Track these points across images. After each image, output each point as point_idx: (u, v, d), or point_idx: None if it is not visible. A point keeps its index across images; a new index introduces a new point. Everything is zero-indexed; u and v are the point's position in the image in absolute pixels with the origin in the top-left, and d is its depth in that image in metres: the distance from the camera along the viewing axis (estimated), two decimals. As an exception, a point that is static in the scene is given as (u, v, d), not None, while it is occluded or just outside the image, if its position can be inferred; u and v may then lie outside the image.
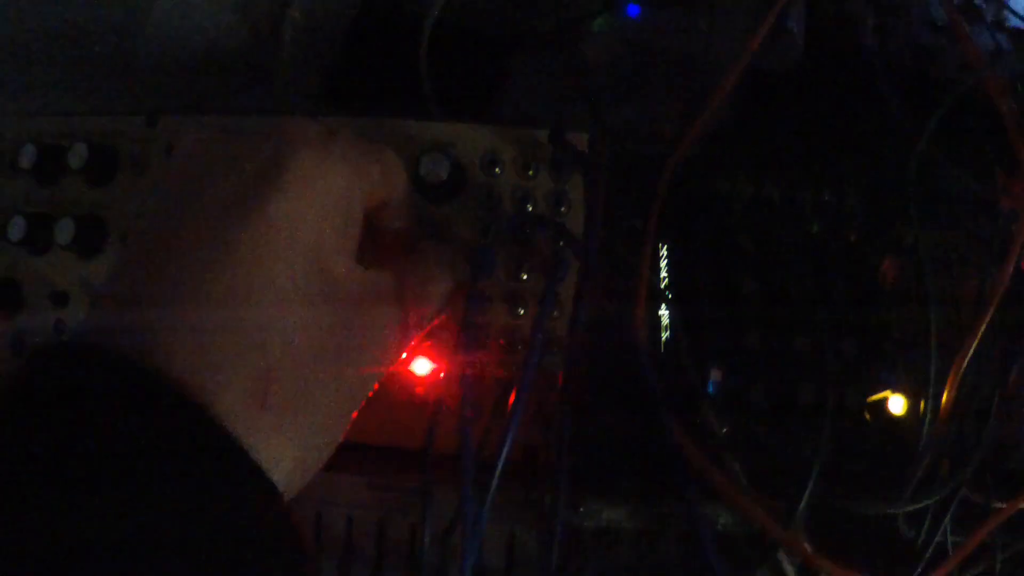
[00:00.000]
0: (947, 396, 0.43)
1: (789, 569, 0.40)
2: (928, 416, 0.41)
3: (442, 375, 0.40)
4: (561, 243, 0.41)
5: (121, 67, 0.48)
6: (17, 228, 0.44)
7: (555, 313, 0.41)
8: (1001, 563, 0.45)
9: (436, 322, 0.38)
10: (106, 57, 0.48)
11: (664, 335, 0.46)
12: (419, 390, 0.40)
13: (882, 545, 0.44)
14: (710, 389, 0.44)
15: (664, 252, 0.48)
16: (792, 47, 0.54)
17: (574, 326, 0.37)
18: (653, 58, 0.55)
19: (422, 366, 0.40)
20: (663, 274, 0.47)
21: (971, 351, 0.42)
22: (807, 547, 0.38)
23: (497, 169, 0.42)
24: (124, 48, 0.48)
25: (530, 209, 0.42)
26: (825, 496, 0.41)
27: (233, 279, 0.29)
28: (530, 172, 0.42)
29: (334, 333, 0.31)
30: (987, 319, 0.42)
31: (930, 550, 0.43)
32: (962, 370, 0.43)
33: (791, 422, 0.44)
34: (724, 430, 0.42)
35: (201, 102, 0.44)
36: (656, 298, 0.45)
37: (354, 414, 0.33)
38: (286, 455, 0.29)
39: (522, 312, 0.41)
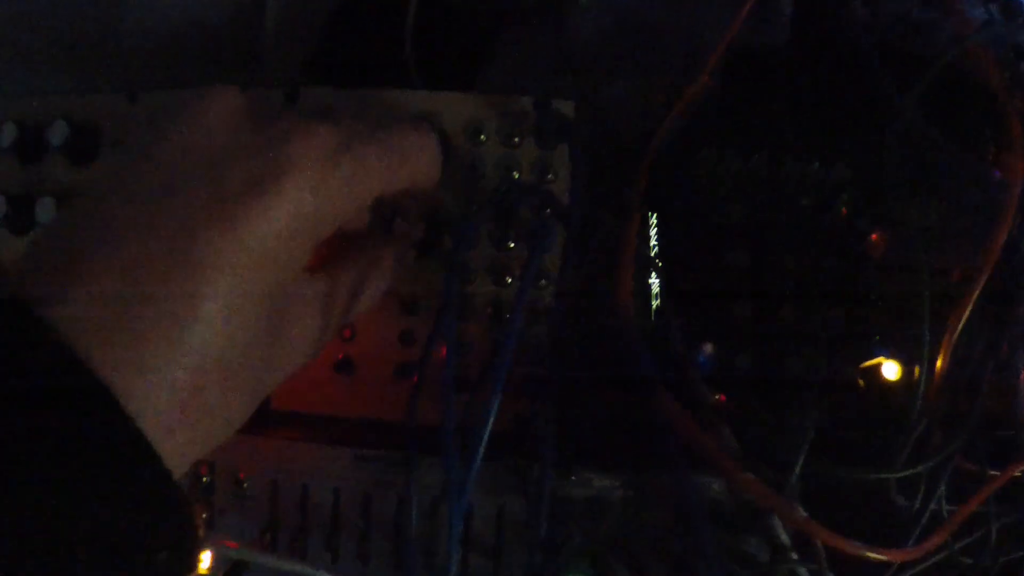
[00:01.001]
0: (940, 363, 0.42)
1: (783, 537, 0.39)
2: (922, 383, 0.41)
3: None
4: (547, 211, 0.40)
5: (103, 45, 0.48)
6: (-2, 207, 0.44)
7: (542, 282, 0.41)
8: (996, 532, 0.45)
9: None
10: (88, 35, 0.48)
11: (655, 303, 0.45)
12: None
13: (876, 513, 0.43)
14: (701, 360, 0.44)
15: (654, 221, 0.47)
16: (780, 21, 0.53)
17: (560, 294, 0.37)
18: (641, 32, 0.54)
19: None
20: (653, 243, 0.47)
21: (964, 319, 0.42)
22: (801, 513, 0.37)
23: (482, 136, 0.42)
24: (106, 26, 0.47)
25: (516, 177, 0.41)
26: (818, 463, 0.41)
27: (178, 277, 0.28)
28: (515, 140, 0.42)
29: (263, 338, 0.30)
30: (979, 288, 0.42)
31: (924, 518, 0.43)
32: (955, 337, 0.42)
33: (783, 390, 0.43)
34: (716, 396, 0.41)
35: (182, 81, 0.43)
36: (646, 267, 0.45)
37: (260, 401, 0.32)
38: (180, 442, 0.28)
39: (509, 281, 0.41)
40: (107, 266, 0.27)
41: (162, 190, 0.29)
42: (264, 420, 0.41)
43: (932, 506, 0.43)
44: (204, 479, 0.40)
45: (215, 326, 0.28)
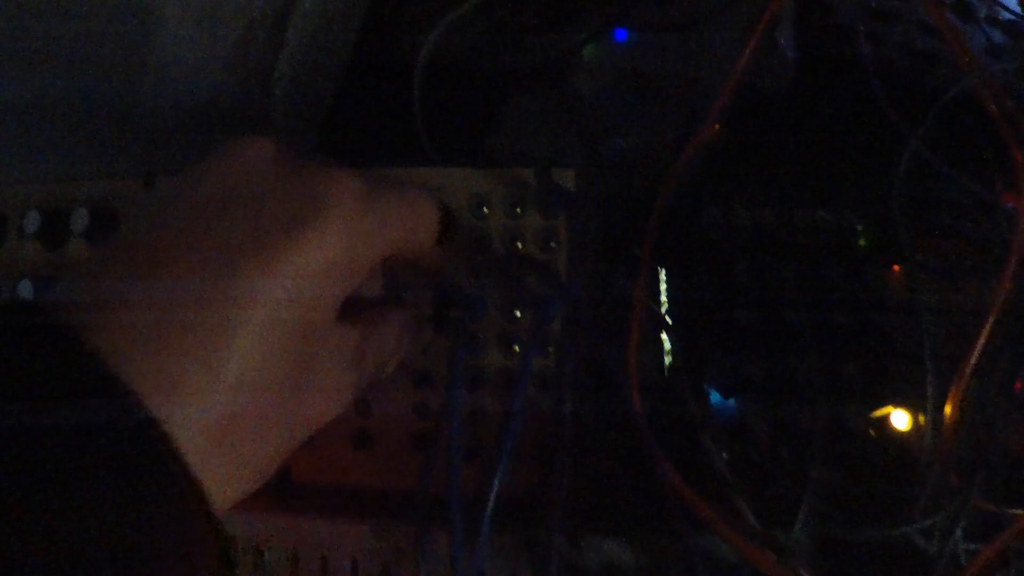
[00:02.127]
0: (950, 409, 0.42)
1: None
2: (929, 431, 0.41)
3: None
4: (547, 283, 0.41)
5: (119, 128, 0.50)
6: (25, 291, 0.45)
7: (550, 349, 0.42)
8: (1017, 572, 0.45)
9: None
10: (104, 119, 0.49)
11: (667, 360, 0.46)
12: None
13: (893, 564, 0.43)
14: (714, 399, 0.45)
15: (663, 277, 0.48)
16: (784, 63, 0.53)
17: (562, 366, 0.38)
18: (645, 83, 0.55)
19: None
20: (663, 298, 0.47)
21: (972, 361, 0.42)
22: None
23: (485, 209, 0.43)
24: (122, 110, 0.49)
25: (520, 247, 0.42)
26: (828, 521, 0.41)
27: (216, 308, 0.29)
28: (518, 211, 0.43)
29: (295, 379, 0.31)
30: (988, 329, 0.42)
31: (941, 563, 0.43)
32: (964, 381, 0.42)
33: (794, 445, 0.43)
34: (724, 455, 0.42)
35: (199, 157, 0.45)
36: (657, 325, 0.46)
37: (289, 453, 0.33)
38: (221, 479, 0.29)
39: (517, 350, 0.42)
40: (147, 296, 0.28)
41: (203, 225, 0.31)
42: (285, 493, 0.42)
43: (950, 549, 0.43)
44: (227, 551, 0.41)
45: (250, 359, 0.29)
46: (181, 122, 0.49)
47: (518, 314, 0.42)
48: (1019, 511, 0.43)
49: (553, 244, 0.42)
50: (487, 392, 0.42)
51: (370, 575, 0.40)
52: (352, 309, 0.35)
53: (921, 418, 0.42)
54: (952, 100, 0.49)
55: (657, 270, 0.47)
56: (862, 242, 0.48)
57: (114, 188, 0.46)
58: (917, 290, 0.45)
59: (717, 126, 0.49)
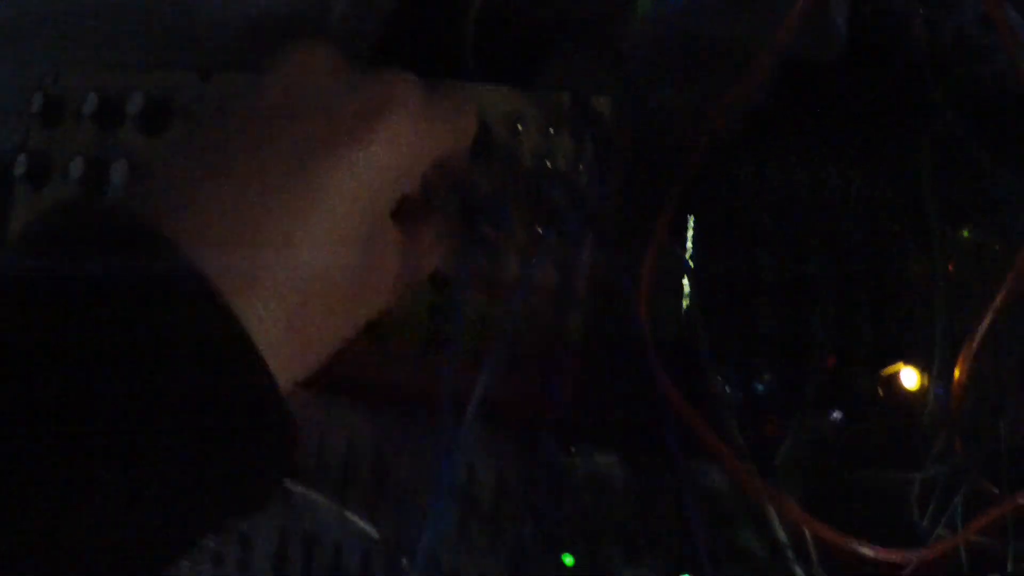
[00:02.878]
0: (959, 371, 0.42)
1: (780, 533, 0.40)
2: (931, 390, 0.41)
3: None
4: (572, 200, 0.42)
5: (178, 27, 0.52)
6: (76, 168, 0.48)
7: (569, 267, 0.43)
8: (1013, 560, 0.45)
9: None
10: (165, 18, 0.51)
11: (685, 303, 0.47)
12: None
13: (891, 523, 0.43)
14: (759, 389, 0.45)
15: (691, 224, 0.49)
16: (835, 37, 0.54)
17: (573, 280, 0.39)
18: (695, 43, 0.56)
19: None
20: (689, 244, 0.48)
21: (985, 326, 0.42)
22: (794, 505, 0.38)
23: (519, 127, 0.44)
24: (182, 10, 0.51)
25: (548, 165, 0.43)
26: (832, 464, 0.42)
27: (290, 200, 0.31)
28: (551, 131, 0.44)
29: (358, 269, 0.33)
30: (1002, 297, 0.42)
31: (938, 528, 0.43)
32: (975, 346, 0.42)
33: (799, 394, 0.44)
34: (728, 390, 0.42)
35: (252, 63, 0.46)
36: (680, 268, 0.46)
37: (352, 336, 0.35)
38: (285, 351, 0.30)
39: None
40: (224, 191, 0.30)
41: (274, 124, 0.33)
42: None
43: (946, 524, 0.43)
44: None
45: (322, 246, 0.31)
46: (239, 26, 0.51)
47: (540, 230, 0.43)
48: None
49: (582, 167, 0.43)
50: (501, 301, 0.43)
51: (362, 455, 0.41)
52: (398, 208, 0.37)
53: (926, 377, 0.42)
54: (999, 92, 0.49)
55: (687, 217, 0.48)
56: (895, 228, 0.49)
57: (170, 78, 0.48)
58: (938, 260, 0.45)
59: (750, 88, 0.49)
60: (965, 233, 0.47)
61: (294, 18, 0.51)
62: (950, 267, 0.45)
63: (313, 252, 0.31)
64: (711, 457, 0.39)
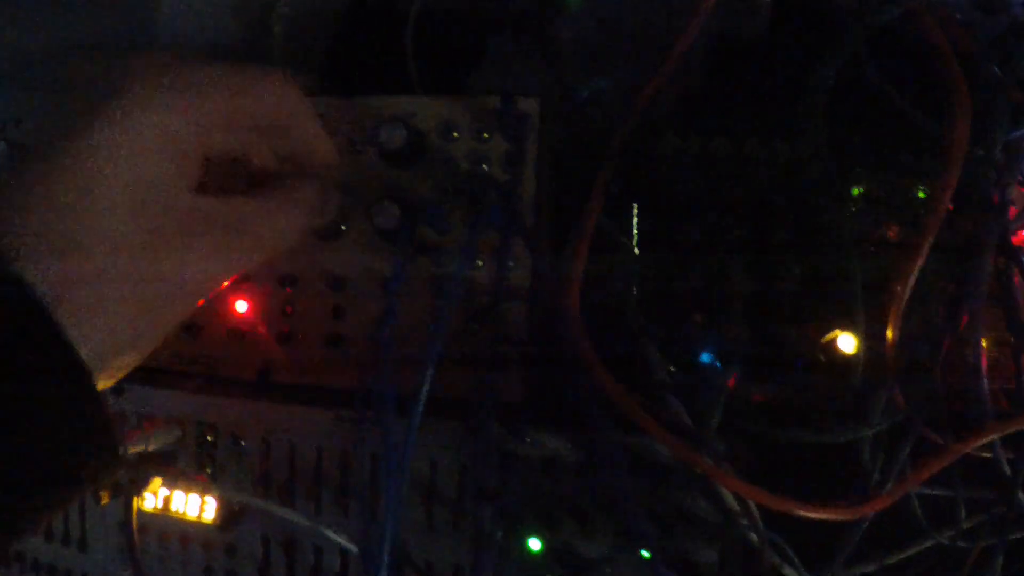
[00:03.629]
0: (891, 332, 0.44)
1: (730, 500, 0.42)
2: (863, 349, 0.43)
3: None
4: (503, 199, 0.44)
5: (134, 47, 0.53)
6: None
7: (510, 264, 0.45)
8: (967, 515, 0.46)
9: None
10: (121, 40, 0.53)
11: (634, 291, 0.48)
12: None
13: (843, 480, 0.45)
14: (705, 359, 0.47)
15: (635, 212, 0.50)
16: (758, 12, 0.56)
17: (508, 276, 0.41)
18: (622, 32, 0.57)
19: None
20: (634, 231, 0.50)
21: (908, 286, 0.43)
22: (729, 474, 0.40)
23: (455, 134, 0.46)
24: (138, 34, 0.53)
25: (484, 168, 0.45)
26: (779, 430, 0.43)
27: (59, 180, 0.32)
28: (485, 135, 0.46)
29: (149, 250, 0.34)
30: (923, 253, 0.43)
31: (889, 481, 0.45)
32: (902, 306, 0.44)
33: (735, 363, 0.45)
34: (671, 368, 0.44)
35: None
36: (626, 256, 0.48)
37: (172, 322, 0.36)
38: (95, 340, 0.32)
39: (480, 264, 0.45)
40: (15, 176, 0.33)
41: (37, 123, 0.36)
42: (262, 389, 0.46)
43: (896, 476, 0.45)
44: (209, 438, 0.45)
45: (81, 227, 0.32)
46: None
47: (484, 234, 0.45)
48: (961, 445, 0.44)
49: (517, 168, 0.45)
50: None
51: (332, 459, 0.43)
52: (238, 184, 0.38)
53: (857, 340, 0.44)
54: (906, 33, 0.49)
55: (631, 205, 0.50)
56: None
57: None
58: (858, 216, 0.47)
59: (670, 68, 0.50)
60: (857, 191, 0.48)
61: (239, 49, 0.53)
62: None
63: (93, 225, 0.32)
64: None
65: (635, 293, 0.47)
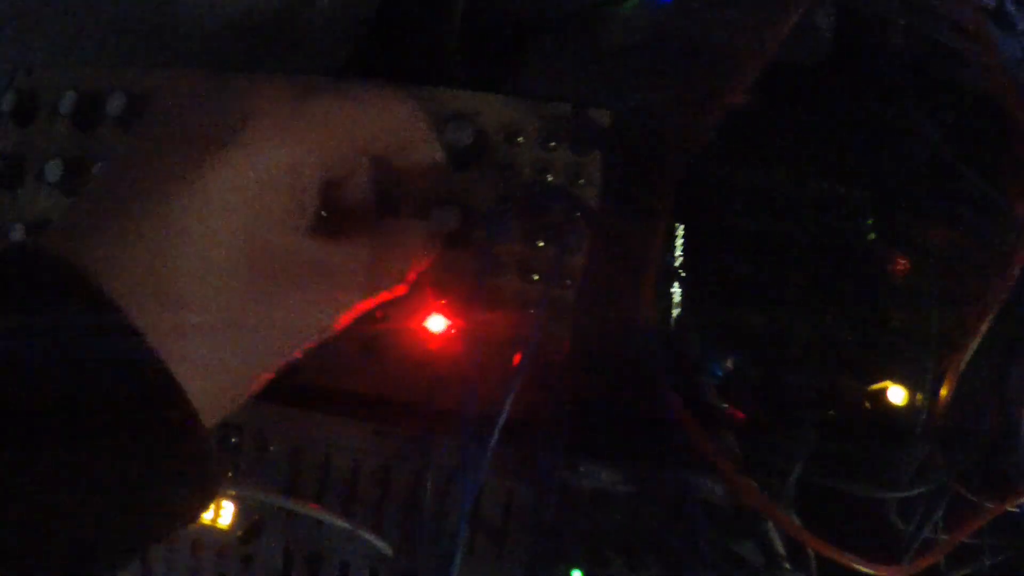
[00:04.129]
0: (945, 390, 0.43)
1: (778, 544, 0.40)
2: (924, 406, 0.42)
3: (454, 332, 0.41)
4: (576, 214, 0.42)
5: (159, 25, 0.50)
6: (54, 170, 0.46)
7: (567, 282, 0.42)
8: (991, 567, 0.46)
9: (393, 294, 0.38)
10: (145, 19, 0.50)
11: (675, 312, 0.47)
12: (432, 346, 0.42)
13: (872, 532, 0.44)
14: (716, 372, 0.45)
15: (680, 232, 0.49)
16: (820, 42, 0.54)
17: (583, 294, 0.39)
18: (677, 44, 0.56)
19: (436, 323, 0.41)
20: (678, 253, 0.48)
21: (971, 349, 0.43)
22: (794, 520, 0.39)
23: (519, 139, 0.43)
24: (163, 10, 0.49)
25: (549, 179, 0.43)
26: (818, 476, 0.42)
27: (166, 224, 0.30)
28: (551, 145, 0.43)
29: (256, 294, 0.32)
30: (988, 319, 0.43)
31: (918, 541, 0.44)
32: (961, 367, 0.43)
33: (791, 404, 0.44)
34: (724, 406, 0.43)
35: (235, 63, 0.45)
36: (670, 276, 0.46)
37: (280, 364, 0.34)
38: (204, 385, 0.30)
39: (536, 278, 0.43)
40: (127, 223, 0.30)
41: (141, 156, 0.32)
42: (293, 391, 0.43)
43: (927, 533, 0.44)
44: (232, 440, 0.42)
45: (194, 276, 0.30)
46: (221, 25, 0.50)
47: (541, 244, 0.42)
48: (991, 505, 0.44)
49: (582, 181, 0.43)
50: (501, 314, 0.42)
51: (370, 475, 0.40)
52: (344, 223, 0.35)
53: (919, 396, 0.43)
54: (976, 101, 0.50)
55: (674, 225, 0.48)
56: (871, 236, 0.49)
57: (153, 78, 0.47)
58: (922, 275, 0.46)
59: (741, 96, 0.50)
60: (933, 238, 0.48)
61: (276, 16, 0.50)
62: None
63: (188, 281, 0.30)
64: (711, 470, 0.40)
65: (694, 322, 0.45)
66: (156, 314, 0.29)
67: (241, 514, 0.41)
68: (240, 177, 0.31)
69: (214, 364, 0.30)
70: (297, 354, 0.34)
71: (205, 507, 0.31)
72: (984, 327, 0.43)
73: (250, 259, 0.31)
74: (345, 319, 0.36)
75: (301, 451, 0.41)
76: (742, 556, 0.41)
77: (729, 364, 0.45)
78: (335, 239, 0.35)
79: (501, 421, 0.34)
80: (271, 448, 0.41)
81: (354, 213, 0.37)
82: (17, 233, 0.46)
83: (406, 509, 0.39)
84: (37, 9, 0.50)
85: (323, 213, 0.35)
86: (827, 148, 0.52)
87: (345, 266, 0.35)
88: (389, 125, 0.36)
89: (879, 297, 0.46)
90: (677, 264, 0.48)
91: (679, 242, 0.49)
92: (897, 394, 0.45)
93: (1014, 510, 0.45)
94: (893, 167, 0.50)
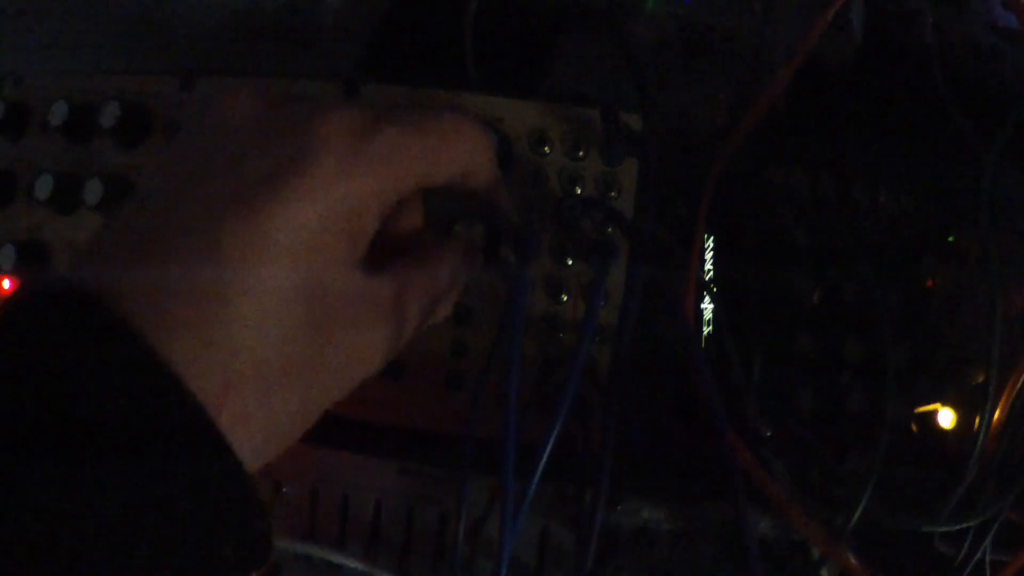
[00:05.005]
0: (999, 414, 0.41)
1: (831, 581, 0.38)
2: (982, 432, 0.39)
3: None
4: (611, 229, 0.39)
5: (159, 28, 0.47)
6: (44, 186, 0.43)
7: (601, 302, 0.40)
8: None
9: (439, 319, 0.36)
10: (142, 16, 0.46)
11: (706, 330, 0.44)
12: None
13: (922, 560, 0.42)
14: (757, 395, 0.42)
15: (710, 244, 0.46)
16: (850, 41, 0.52)
17: (626, 316, 0.36)
18: (704, 42, 0.53)
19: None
20: (708, 266, 0.46)
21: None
22: (855, 563, 0.36)
23: (546, 148, 0.40)
24: (161, 7, 0.46)
25: (579, 191, 0.40)
26: (867, 509, 0.40)
27: (219, 268, 0.27)
28: (580, 153, 0.40)
29: (307, 337, 0.29)
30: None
31: (968, 569, 0.42)
32: (1017, 389, 0.41)
33: (837, 428, 0.42)
34: (768, 433, 0.40)
35: (239, 66, 0.42)
36: (700, 290, 0.44)
37: (329, 406, 0.31)
38: (254, 438, 0.28)
39: (565, 299, 0.40)
40: (157, 263, 0.27)
41: (189, 184, 0.29)
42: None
43: (978, 556, 0.42)
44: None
45: (248, 323, 0.27)
46: (225, 27, 0.47)
47: (569, 261, 0.40)
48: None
49: (614, 193, 0.40)
50: (529, 337, 0.39)
51: (394, 517, 0.37)
52: (389, 255, 0.33)
53: (976, 420, 0.41)
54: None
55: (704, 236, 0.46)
56: (951, 238, 0.47)
57: (150, 85, 0.44)
58: (974, 287, 0.44)
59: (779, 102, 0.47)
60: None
61: (283, 17, 0.47)
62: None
63: (237, 329, 0.27)
64: (761, 505, 0.37)
65: (732, 342, 0.42)
66: (206, 367, 0.26)
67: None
68: (300, 218, 0.28)
69: (262, 413, 0.28)
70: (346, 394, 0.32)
71: (255, 567, 0.28)
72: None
73: (307, 302, 0.29)
74: (395, 352, 0.33)
75: (318, 492, 0.38)
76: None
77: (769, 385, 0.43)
78: (388, 269, 0.32)
79: (543, 461, 0.31)
80: (284, 489, 0.38)
81: (404, 239, 0.35)
82: (8, 256, 0.42)
83: (433, 554, 0.37)
84: (22, 14, 0.47)
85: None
86: (862, 152, 0.49)
87: (400, 297, 0.33)
88: (455, 156, 0.33)
89: (927, 314, 0.44)
90: (708, 278, 0.45)
91: (708, 255, 0.46)
92: (946, 417, 0.43)
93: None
94: (935, 173, 0.48)
